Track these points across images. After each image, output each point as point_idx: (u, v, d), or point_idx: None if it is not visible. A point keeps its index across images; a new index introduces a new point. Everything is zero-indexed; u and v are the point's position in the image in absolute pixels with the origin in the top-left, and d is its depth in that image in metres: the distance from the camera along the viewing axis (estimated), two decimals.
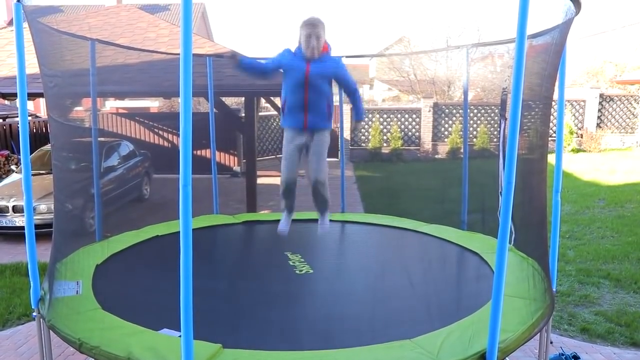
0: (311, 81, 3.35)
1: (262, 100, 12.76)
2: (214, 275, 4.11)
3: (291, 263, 4.37)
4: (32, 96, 8.34)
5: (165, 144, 12.97)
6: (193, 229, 2.21)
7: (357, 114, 3.66)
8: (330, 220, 5.62)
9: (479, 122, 15.71)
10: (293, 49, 3.51)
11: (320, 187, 3.53)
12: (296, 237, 5.16)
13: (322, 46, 3.40)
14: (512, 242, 4.39)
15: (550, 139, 3.90)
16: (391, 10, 73.89)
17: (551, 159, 3.68)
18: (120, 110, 16.84)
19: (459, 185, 5.63)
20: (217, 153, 6.85)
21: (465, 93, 5.81)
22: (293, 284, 4.02)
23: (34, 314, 3.43)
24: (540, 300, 3.37)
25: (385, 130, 15.78)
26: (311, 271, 4.20)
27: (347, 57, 6.58)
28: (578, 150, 16.03)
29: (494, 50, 17.96)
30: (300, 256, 4.52)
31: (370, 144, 15.65)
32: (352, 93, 3.60)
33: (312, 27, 3.32)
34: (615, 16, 40.43)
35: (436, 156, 15.76)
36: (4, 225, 7.24)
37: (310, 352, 2.81)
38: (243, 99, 9.48)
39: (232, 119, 8.80)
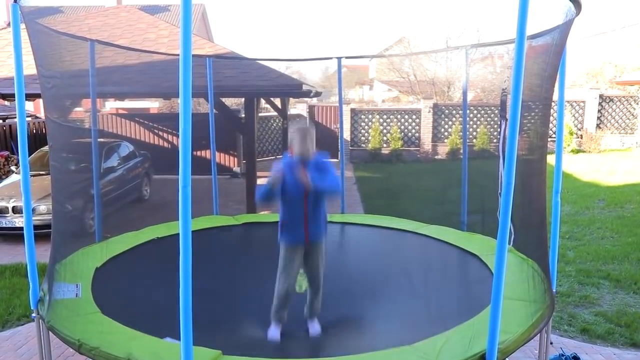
0: (310, 193, 3.24)
1: (262, 101, 12.77)
2: (213, 277, 4.11)
3: None
4: (32, 97, 8.33)
5: (165, 144, 12.96)
6: (193, 231, 2.20)
7: (325, 184, 3.28)
8: (330, 222, 5.62)
9: (478, 122, 15.70)
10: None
11: (317, 297, 3.44)
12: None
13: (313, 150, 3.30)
14: (512, 243, 4.38)
15: (550, 139, 3.90)
16: (391, 11, 73.94)
17: (551, 159, 3.68)
18: (120, 111, 16.84)
19: (459, 186, 5.63)
20: (217, 154, 6.85)
21: (465, 94, 5.82)
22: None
23: (34, 315, 3.43)
24: (540, 301, 3.37)
25: (385, 131, 15.78)
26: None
27: (347, 57, 6.60)
28: (578, 151, 16.02)
29: (493, 51, 17.99)
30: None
31: (370, 145, 15.64)
32: (330, 178, 3.33)
33: (304, 134, 3.26)
34: (615, 17, 40.45)
35: (436, 157, 15.75)
36: (4, 226, 7.24)
37: (310, 359, 2.80)
38: (243, 99, 9.48)
39: (232, 119, 8.80)
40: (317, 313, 3.44)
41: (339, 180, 3.55)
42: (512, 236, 4.34)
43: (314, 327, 3.39)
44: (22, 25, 3.20)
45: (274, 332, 3.29)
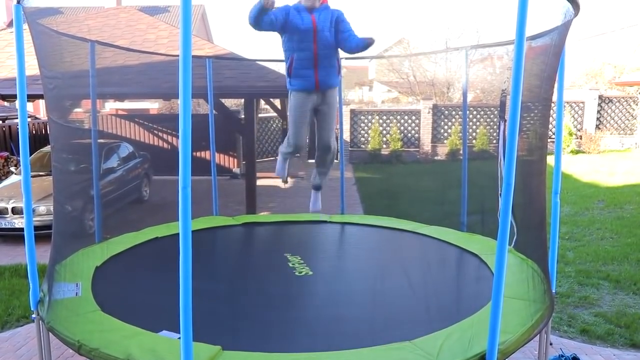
0: (319, 32, 3.20)
1: (262, 102, 12.78)
2: (213, 277, 4.11)
3: (291, 264, 4.37)
4: (32, 98, 8.34)
5: (165, 145, 12.97)
6: (193, 231, 2.21)
7: (362, 40, 3.33)
8: (330, 222, 5.63)
9: (478, 123, 15.72)
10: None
11: (330, 153, 3.37)
12: (296, 239, 5.17)
13: None
14: (513, 244, 4.39)
15: (549, 140, 3.91)
16: (391, 12, 74.01)
17: (550, 160, 3.69)
18: (120, 112, 16.84)
19: (459, 187, 5.63)
20: (216, 154, 6.85)
21: (465, 94, 5.82)
22: (293, 286, 4.02)
23: (33, 315, 3.43)
24: (539, 301, 3.38)
25: (384, 131, 15.79)
26: (311, 273, 4.20)
27: (346, 58, 6.59)
28: (577, 152, 16.04)
29: (493, 51, 18.02)
30: (299, 257, 4.52)
31: (369, 146, 15.66)
32: (352, 34, 3.36)
33: None
34: (614, 18, 40.49)
35: (435, 157, 15.77)
36: (3, 226, 7.24)
37: (310, 354, 2.80)
38: (242, 100, 9.48)
39: (231, 120, 8.80)
40: (320, 186, 3.39)
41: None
42: (515, 237, 4.35)
43: (314, 204, 3.42)
44: (24, 26, 3.20)
45: (280, 172, 3.57)
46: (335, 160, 8.09)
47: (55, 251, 3.69)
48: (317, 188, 3.59)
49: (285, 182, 3.54)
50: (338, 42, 3.38)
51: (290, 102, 3.32)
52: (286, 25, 3.27)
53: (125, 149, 9.45)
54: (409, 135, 15.95)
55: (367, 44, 3.30)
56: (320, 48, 3.24)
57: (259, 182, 8.66)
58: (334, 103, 3.36)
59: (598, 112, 16.82)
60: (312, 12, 3.33)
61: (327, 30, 3.29)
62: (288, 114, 3.31)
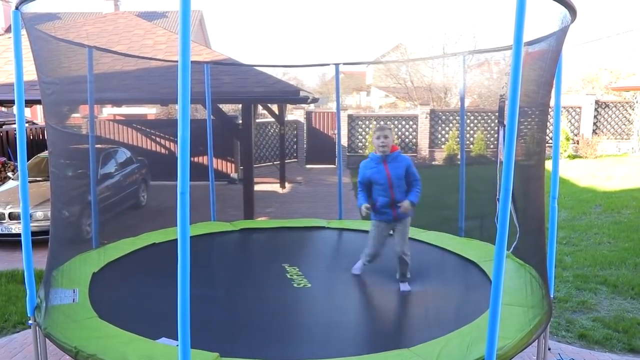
0: (393, 176, 4.08)
1: (259, 107, 12.78)
2: (211, 283, 4.10)
3: (287, 270, 4.36)
4: (29, 103, 8.32)
5: (163, 151, 12.96)
6: (190, 237, 2.20)
7: (412, 195, 4.13)
8: (328, 228, 5.62)
9: (475, 128, 15.76)
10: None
11: (404, 256, 4.14)
12: (293, 245, 5.15)
13: (392, 146, 4.14)
14: (512, 249, 4.39)
15: (546, 145, 3.92)
16: (388, 18, 74.29)
17: (547, 165, 3.69)
18: (118, 117, 16.83)
19: (456, 192, 5.64)
20: (214, 160, 6.85)
21: (462, 100, 5.84)
22: (291, 293, 4.01)
23: (30, 321, 3.41)
24: (538, 307, 3.37)
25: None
26: (309, 283, 4.19)
27: (344, 64, 6.63)
28: (574, 157, 16.08)
29: (490, 57, 18.08)
30: (297, 269, 4.48)
31: (367, 151, 15.66)
32: (414, 184, 4.16)
33: (381, 130, 4.12)
34: (610, 24, 40.72)
35: (433, 162, 15.79)
36: (0, 232, 7.21)
37: None
38: (240, 106, 9.48)
39: (229, 126, 8.79)
40: (405, 277, 4.12)
41: (419, 182, 4.20)
42: (515, 242, 4.35)
43: (403, 287, 4.07)
44: (22, 32, 3.20)
45: (356, 269, 4.34)
46: (333, 165, 8.07)
47: (53, 257, 3.68)
48: (403, 279, 4.21)
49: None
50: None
51: (371, 225, 4.30)
52: (369, 179, 4.17)
53: (123, 155, 9.43)
54: (407, 140, 15.98)
55: (411, 199, 4.12)
56: (396, 193, 4.09)
57: (257, 188, 8.64)
58: (407, 225, 4.23)
59: (595, 117, 16.88)
60: (385, 161, 4.10)
61: (399, 176, 4.09)
62: (369, 233, 4.34)
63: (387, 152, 4.08)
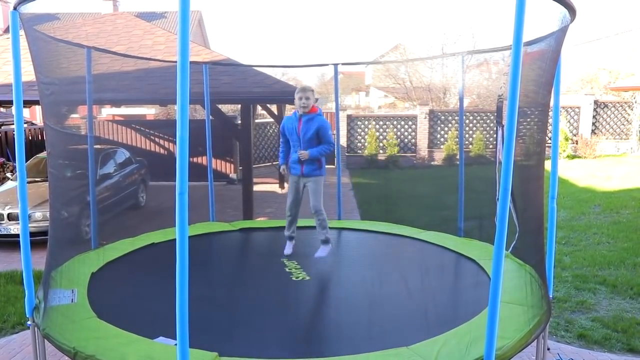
0: (302, 134, 4.34)
1: (259, 108, 12.78)
2: (210, 283, 4.10)
3: (287, 270, 4.36)
4: (28, 104, 8.32)
5: (162, 151, 12.95)
6: (189, 237, 2.20)
7: (314, 150, 4.40)
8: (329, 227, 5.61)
9: (474, 128, 15.77)
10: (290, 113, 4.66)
11: (317, 214, 4.41)
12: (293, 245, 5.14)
13: (311, 106, 4.38)
14: (511, 249, 4.39)
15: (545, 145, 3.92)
16: (387, 18, 74.32)
17: (546, 165, 3.70)
18: (117, 118, 16.82)
19: (455, 192, 5.64)
20: (213, 160, 6.84)
21: (461, 100, 5.84)
22: (289, 292, 4.01)
23: (29, 322, 3.41)
24: (537, 306, 3.38)
25: (381, 137, 15.82)
26: (307, 278, 4.20)
27: (343, 64, 6.62)
28: (573, 157, 16.10)
29: (489, 57, 18.09)
30: (296, 263, 4.51)
31: (366, 151, 15.67)
32: (323, 143, 4.43)
33: (303, 91, 4.38)
34: (609, 24, 40.78)
35: (432, 163, 15.79)
36: None
37: (308, 359, 2.80)
38: (239, 106, 9.48)
39: (228, 126, 8.79)
40: (322, 235, 4.44)
41: (330, 145, 4.46)
42: (514, 242, 4.35)
43: (321, 251, 4.43)
44: (20, 32, 3.20)
45: (287, 249, 4.61)
46: (332, 166, 8.13)
47: (51, 257, 3.68)
48: (324, 242, 4.56)
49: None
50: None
51: (289, 180, 4.62)
52: (284, 133, 4.57)
53: (122, 155, 9.42)
54: (406, 140, 15.99)
55: (312, 153, 4.44)
56: (304, 149, 4.38)
57: (256, 188, 8.65)
58: (319, 182, 4.46)
59: (594, 117, 16.89)
60: (301, 118, 4.39)
61: (311, 134, 4.36)
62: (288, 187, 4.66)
63: (305, 112, 4.34)
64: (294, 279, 4.18)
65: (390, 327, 3.34)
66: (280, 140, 4.63)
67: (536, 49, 3.61)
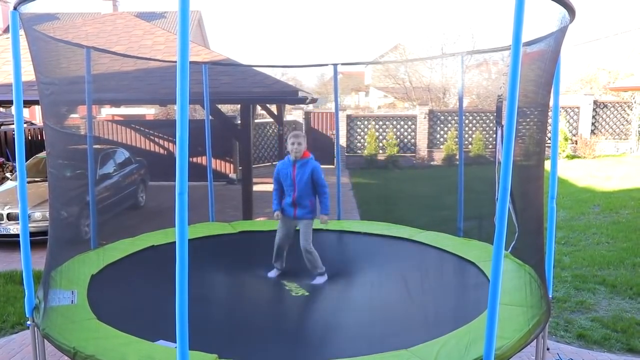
0: (297, 179, 4.49)
1: (258, 108, 12.78)
2: (210, 285, 4.10)
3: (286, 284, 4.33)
4: (27, 103, 8.30)
5: (161, 151, 12.95)
6: (189, 238, 2.20)
7: (323, 208, 4.63)
8: (327, 230, 5.62)
9: (474, 128, 15.77)
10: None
11: (307, 253, 4.46)
12: (291, 245, 5.14)
13: (303, 152, 4.51)
14: (510, 249, 4.39)
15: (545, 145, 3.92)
16: (386, 18, 74.33)
17: (546, 165, 3.70)
18: (116, 118, 16.82)
19: (455, 192, 5.64)
20: (213, 160, 6.84)
21: (461, 100, 5.84)
22: (289, 295, 4.01)
23: (29, 322, 3.40)
24: (536, 306, 3.38)
25: (381, 137, 15.82)
26: (307, 281, 4.19)
27: (342, 64, 6.62)
28: (573, 157, 16.10)
29: (488, 57, 18.09)
30: (295, 282, 4.46)
31: (366, 151, 15.67)
32: (321, 193, 4.59)
33: (296, 137, 4.54)
34: (608, 24, 40.79)
35: (432, 163, 15.79)
36: None
37: None
38: (239, 106, 9.48)
39: (228, 126, 8.79)
40: (318, 271, 4.45)
41: (326, 188, 4.62)
42: (514, 243, 4.35)
43: (317, 280, 4.41)
44: (20, 32, 3.20)
45: (272, 273, 4.58)
46: (332, 166, 8.09)
47: (51, 257, 3.67)
48: (314, 274, 4.53)
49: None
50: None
51: (280, 219, 4.69)
52: (279, 178, 4.67)
53: (122, 155, 9.42)
54: (405, 140, 15.99)
55: (323, 212, 4.67)
56: (297, 195, 4.52)
57: (256, 188, 8.64)
58: (308, 225, 4.59)
59: (593, 117, 16.90)
60: (295, 164, 4.53)
61: (304, 180, 4.49)
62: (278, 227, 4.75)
63: (298, 157, 4.50)
64: (293, 287, 4.17)
65: (389, 329, 3.34)
66: (274, 186, 4.71)
67: (536, 49, 3.61)
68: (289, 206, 4.57)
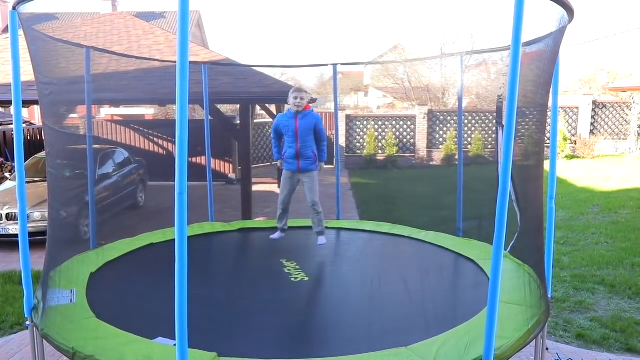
0: (300, 130, 4.64)
1: (257, 108, 12.78)
2: (209, 283, 4.09)
3: (287, 270, 4.36)
4: (27, 103, 8.31)
5: (161, 151, 12.94)
6: (188, 237, 2.20)
7: (322, 156, 4.79)
8: (326, 228, 5.63)
9: (473, 129, 15.77)
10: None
11: (315, 207, 4.67)
12: (292, 245, 5.15)
13: (305, 105, 4.69)
14: (509, 249, 4.40)
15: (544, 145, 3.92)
16: (386, 18, 74.35)
17: (545, 165, 3.70)
18: (116, 118, 16.81)
19: (454, 192, 5.64)
20: (212, 160, 6.84)
21: (460, 100, 5.84)
22: (288, 292, 4.01)
23: (27, 322, 3.40)
24: (536, 306, 3.38)
25: (380, 137, 15.83)
26: (306, 279, 4.20)
27: (342, 64, 6.62)
28: (572, 157, 16.11)
29: (488, 57, 18.09)
30: (295, 263, 4.51)
31: (365, 151, 15.68)
32: (321, 144, 4.78)
33: (299, 92, 4.73)
34: (607, 24, 40.83)
35: (431, 163, 15.80)
36: None
37: (307, 359, 2.80)
38: (238, 106, 9.48)
39: (227, 126, 8.79)
40: (321, 230, 4.74)
41: (326, 140, 4.84)
42: (513, 242, 4.36)
43: (320, 240, 4.74)
44: (19, 32, 3.19)
45: (275, 235, 4.87)
46: (331, 166, 8.12)
47: (50, 257, 3.67)
48: (319, 233, 4.83)
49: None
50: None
51: (282, 175, 4.84)
52: (280, 130, 4.83)
53: (121, 155, 9.42)
54: (405, 140, 15.99)
55: (322, 159, 4.84)
56: (300, 147, 4.67)
57: (255, 188, 8.65)
58: (314, 177, 4.76)
59: (592, 117, 16.92)
60: (297, 116, 4.68)
61: (306, 131, 4.67)
62: (281, 181, 4.88)
63: (300, 110, 4.66)
64: (292, 279, 4.18)
65: (389, 327, 3.34)
66: (273, 137, 4.86)
67: (535, 49, 3.62)
68: (292, 159, 4.69)
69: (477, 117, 15.97)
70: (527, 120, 3.76)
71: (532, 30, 3.47)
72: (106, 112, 18.57)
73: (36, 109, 18.21)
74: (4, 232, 7.15)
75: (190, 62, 2.29)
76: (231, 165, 13.11)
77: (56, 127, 3.97)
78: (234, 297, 3.92)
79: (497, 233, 2.34)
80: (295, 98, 4.68)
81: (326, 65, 6.59)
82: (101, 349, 2.84)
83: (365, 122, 16.03)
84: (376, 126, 15.88)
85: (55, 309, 3.39)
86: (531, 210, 3.77)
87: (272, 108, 11.67)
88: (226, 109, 16.52)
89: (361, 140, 15.94)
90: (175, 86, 2.07)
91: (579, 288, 5.39)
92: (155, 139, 13.02)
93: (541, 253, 3.66)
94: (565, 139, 16.13)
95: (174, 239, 2.17)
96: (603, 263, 6.17)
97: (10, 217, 7.16)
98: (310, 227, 5.03)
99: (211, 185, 6.50)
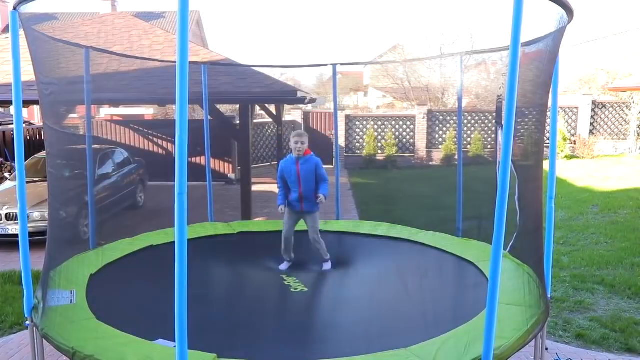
0: (302, 175, 4.77)
1: (257, 108, 12.77)
2: (209, 285, 4.10)
3: (286, 282, 4.34)
4: (26, 103, 8.30)
5: (160, 151, 12.94)
6: (188, 238, 2.20)
7: (322, 190, 4.84)
8: (326, 230, 5.65)
9: (472, 129, 15.78)
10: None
11: (315, 243, 4.83)
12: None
13: (305, 150, 4.79)
14: (509, 249, 4.40)
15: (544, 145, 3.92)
16: (385, 18, 74.38)
17: (545, 165, 3.70)
18: (115, 118, 16.81)
19: (454, 192, 5.65)
20: (212, 160, 6.84)
21: (459, 100, 5.84)
22: (288, 294, 4.01)
23: (27, 322, 3.40)
24: (535, 306, 3.38)
25: (379, 137, 15.83)
26: (306, 280, 4.19)
27: (341, 64, 6.62)
28: (571, 157, 16.12)
29: (487, 57, 18.10)
30: (294, 278, 4.47)
31: (364, 151, 15.67)
32: (321, 183, 4.87)
33: (299, 136, 4.80)
34: (607, 24, 40.85)
35: (431, 163, 15.80)
36: None
37: None
38: (238, 106, 9.48)
39: (227, 126, 8.78)
40: (324, 258, 4.81)
41: (327, 181, 4.89)
42: (512, 242, 4.36)
43: (324, 266, 4.78)
44: (20, 32, 3.20)
45: (283, 266, 4.82)
46: (330, 166, 8.11)
47: (50, 258, 3.67)
48: (322, 260, 4.89)
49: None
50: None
51: (285, 213, 4.95)
52: (283, 176, 4.92)
53: (120, 155, 9.41)
54: (404, 140, 15.99)
55: (322, 193, 4.85)
56: (303, 190, 4.80)
57: (255, 188, 8.65)
58: (315, 217, 4.92)
59: (592, 117, 16.93)
60: (298, 162, 4.79)
61: (307, 176, 4.78)
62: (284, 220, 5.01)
63: (300, 155, 4.78)
64: (292, 282, 4.18)
65: (389, 328, 3.34)
66: (279, 183, 4.97)
67: (534, 49, 3.62)
68: (296, 201, 4.85)
69: (477, 117, 15.97)
70: (527, 120, 3.76)
71: (531, 31, 3.48)
72: (106, 112, 18.57)
73: (36, 109, 18.23)
74: (3, 232, 7.15)
75: (190, 62, 2.30)
76: (231, 165, 13.10)
77: (56, 127, 3.97)
78: (234, 298, 3.92)
79: (496, 233, 2.34)
80: (296, 143, 4.79)
81: (326, 65, 6.59)
82: (101, 349, 2.84)
83: (364, 122, 16.03)
84: (376, 126, 15.88)
85: (55, 309, 3.39)
86: (530, 210, 3.78)
87: (272, 108, 11.67)
88: (226, 109, 16.51)
89: (360, 141, 15.93)
90: (175, 86, 2.07)
91: (579, 288, 5.40)
92: (155, 139, 13.01)
93: (540, 253, 3.66)
94: (564, 139, 16.13)
95: (174, 241, 2.16)
96: (602, 263, 6.17)
97: (9, 217, 7.16)
98: (306, 231, 5.06)
99: (211, 185, 6.50)
